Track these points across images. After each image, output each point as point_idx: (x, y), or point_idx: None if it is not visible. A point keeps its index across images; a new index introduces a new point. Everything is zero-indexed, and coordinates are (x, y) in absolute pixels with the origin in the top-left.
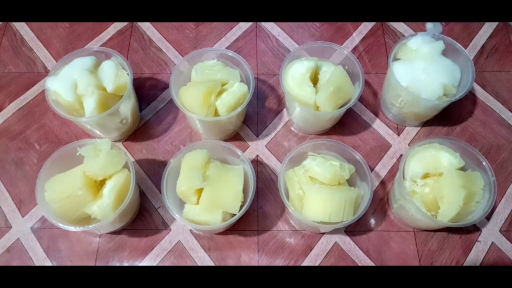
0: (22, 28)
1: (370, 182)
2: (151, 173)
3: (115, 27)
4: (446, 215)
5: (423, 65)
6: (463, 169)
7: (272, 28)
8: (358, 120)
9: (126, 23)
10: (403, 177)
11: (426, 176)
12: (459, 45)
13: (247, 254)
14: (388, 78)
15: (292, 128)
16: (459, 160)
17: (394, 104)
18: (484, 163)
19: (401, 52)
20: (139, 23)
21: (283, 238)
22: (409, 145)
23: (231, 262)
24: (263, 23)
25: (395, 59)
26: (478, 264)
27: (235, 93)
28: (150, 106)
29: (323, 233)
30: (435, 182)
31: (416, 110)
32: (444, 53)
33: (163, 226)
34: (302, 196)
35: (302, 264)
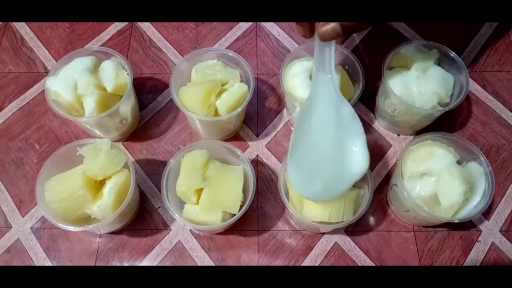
0: (22, 28)
1: (370, 182)
2: (151, 173)
3: (115, 27)
4: (446, 210)
5: (416, 74)
6: (458, 162)
7: (272, 28)
8: None
9: (126, 23)
10: (401, 176)
11: (423, 173)
12: (453, 53)
13: (247, 254)
14: (382, 87)
15: (292, 128)
16: (454, 154)
17: (387, 112)
18: (478, 155)
19: (395, 61)
20: (139, 23)
21: (283, 238)
22: None
23: (231, 262)
24: (263, 23)
25: (389, 67)
26: (478, 264)
27: (235, 93)
28: (150, 106)
29: (323, 233)
30: (433, 179)
31: (409, 119)
32: (439, 61)
33: (163, 226)
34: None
35: (302, 264)
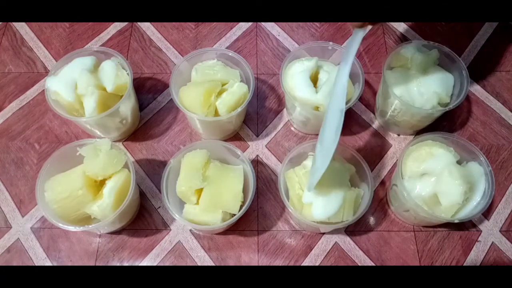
0: (22, 28)
1: (370, 182)
2: (151, 173)
3: (115, 27)
4: (446, 210)
5: (416, 74)
6: (458, 162)
7: (272, 28)
8: (358, 120)
9: (126, 23)
10: (401, 176)
11: (423, 173)
12: (453, 53)
13: (247, 254)
14: (382, 87)
15: (292, 128)
16: (454, 154)
17: (387, 112)
18: (478, 155)
19: (395, 61)
20: (139, 23)
21: (283, 238)
22: None
23: (231, 262)
24: (263, 23)
25: (389, 67)
26: (478, 264)
27: (235, 93)
28: (150, 106)
29: (323, 233)
30: (433, 179)
31: (409, 119)
32: (439, 61)
33: (163, 226)
34: (302, 196)
35: (302, 264)
